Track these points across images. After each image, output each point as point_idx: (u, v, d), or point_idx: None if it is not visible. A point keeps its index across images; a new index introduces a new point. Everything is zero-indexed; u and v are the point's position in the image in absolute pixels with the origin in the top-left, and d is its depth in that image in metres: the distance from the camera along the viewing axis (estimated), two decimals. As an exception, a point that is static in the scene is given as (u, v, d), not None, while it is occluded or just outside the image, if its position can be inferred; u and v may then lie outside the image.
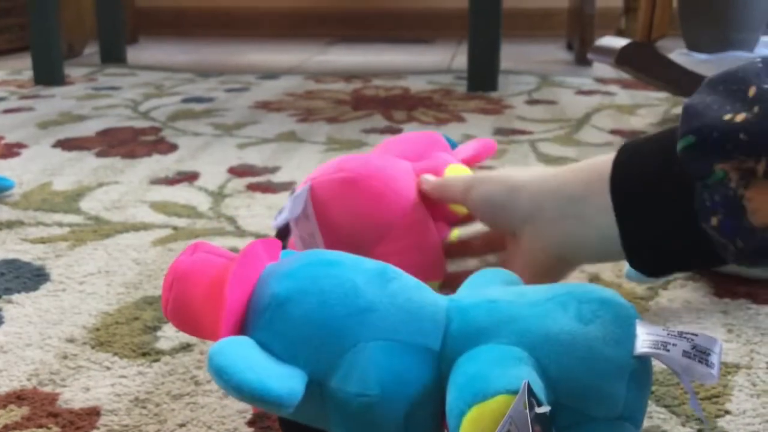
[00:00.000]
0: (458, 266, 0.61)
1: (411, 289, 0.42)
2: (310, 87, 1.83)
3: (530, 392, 0.34)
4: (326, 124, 1.41)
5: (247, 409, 0.52)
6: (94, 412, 0.52)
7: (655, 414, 0.52)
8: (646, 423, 0.50)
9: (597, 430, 0.38)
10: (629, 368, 0.38)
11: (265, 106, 1.59)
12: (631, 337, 0.39)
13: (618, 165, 0.48)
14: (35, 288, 0.72)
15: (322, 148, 1.23)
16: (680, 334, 0.38)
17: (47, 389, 0.55)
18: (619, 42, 1.38)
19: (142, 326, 0.64)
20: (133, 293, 0.70)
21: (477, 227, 0.61)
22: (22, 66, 2.07)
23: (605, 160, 0.49)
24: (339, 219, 0.58)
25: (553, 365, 0.38)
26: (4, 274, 0.74)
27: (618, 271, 0.74)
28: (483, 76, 1.72)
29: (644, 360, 0.39)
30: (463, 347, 0.39)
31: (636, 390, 0.38)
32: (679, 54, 1.60)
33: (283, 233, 0.62)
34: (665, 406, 0.53)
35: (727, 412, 0.52)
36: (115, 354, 0.60)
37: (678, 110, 1.53)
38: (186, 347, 0.61)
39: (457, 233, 0.62)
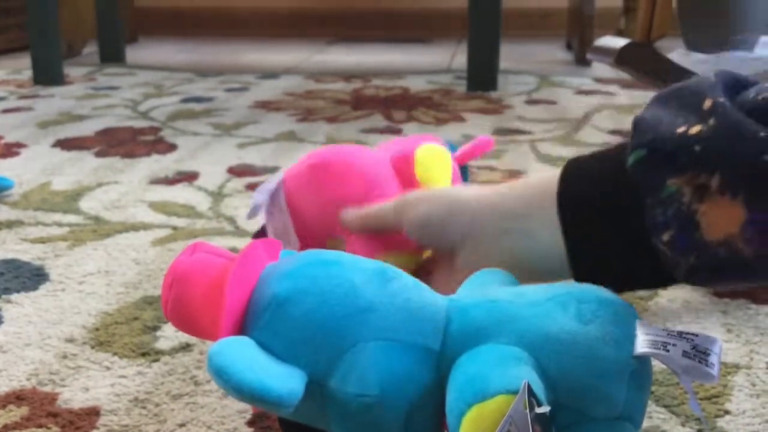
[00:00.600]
0: None
1: (410, 288, 0.42)
2: (310, 87, 1.83)
3: (530, 392, 0.34)
4: (326, 124, 1.41)
5: (247, 409, 0.52)
6: (93, 412, 0.52)
7: (654, 414, 0.52)
8: (646, 423, 0.50)
9: (597, 430, 0.38)
10: (629, 368, 0.38)
11: (265, 105, 1.59)
12: (631, 337, 0.39)
13: (565, 180, 0.47)
14: (35, 288, 0.72)
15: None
16: (680, 334, 0.38)
17: (47, 389, 0.55)
18: (618, 42, 1.38)
19: (141, 326, 0.64)
20: (133, 293, 0.70)
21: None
22: (22, 66, 2.07)
23: (550, 176, 0.48)
24: (310, 207, 0.58)
25: (552, 365, 0.38)
26: (3, 274, 0.74)
27: (617, 271, 0.74)
28: (482, 76, 1.72)
29: (644, 360, 0.39)
30: (462, 347, 0.39)
31: (636, 390, 0.38)
32: (678, 54, 1.60)
33: (261, 234, 0.62)
34: (665, 406, 0.53)
35: (727, 412, 0.52)
36: (115, 354, 0.60)
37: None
38: (186, 347, 0.61)
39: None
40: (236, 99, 1.66)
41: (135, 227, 0.87)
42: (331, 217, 0.57)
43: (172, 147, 1.23)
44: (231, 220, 0.90)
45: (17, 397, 0.54)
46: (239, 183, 1.04)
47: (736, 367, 0.58)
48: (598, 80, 1.84)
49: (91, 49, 2.33)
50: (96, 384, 0.56)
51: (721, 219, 0.39)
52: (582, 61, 2.06)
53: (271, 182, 0.60)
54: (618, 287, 0.44)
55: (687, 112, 0.41)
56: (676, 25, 2.35)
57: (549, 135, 1.31)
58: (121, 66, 2.13)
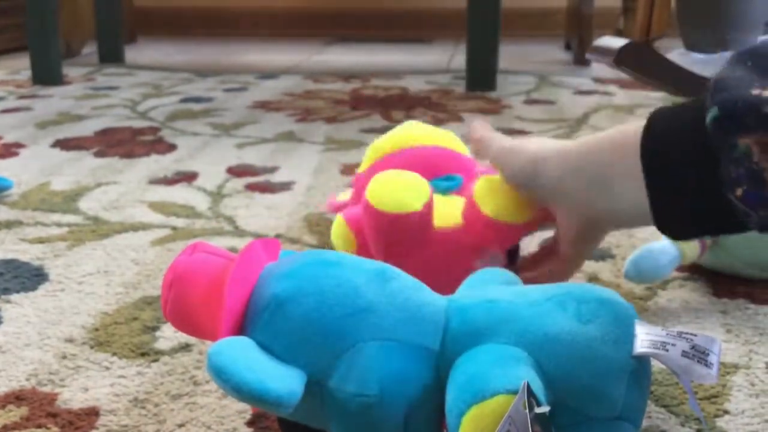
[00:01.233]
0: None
1: (410, 289, 0.42)
2: (309, 87, 1.83)
3: (529, 392, 0.34)
4: (325, 124, 1.41)
5: (246, 409, 0.52)
6: (93, 413, 0.52)
7: (654, 414, 0.52)
8: (645, 423, 0.50)
9: (596, 429, 0.38)
10: (628, 368, 0.38)
11: (264, 105, 1.59)
12: (631, 337, 0.39)
13: (649, 130, 0.48)
14: (34, 288, 0.71)
15: (320, 148, 1.23)
16: (679, 334, 0.38)
17: (46, 389, 0.55)
18: (617, 42, 1.38)
19: (141, 326, 0.64)
20: (132, 293, 0.70)
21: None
22: (21, 66, 2.07)
23: (633, 128, 0.49)
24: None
25: (552, 365, 0.38)
26: (2, 274, 0.74)
27: (617, 271, 0.74)
28: (481, 76, 1.72)
29: (643, 360, 0.39)
30: (462, 347, 0.39)
31: (635, 390, 0.38)
32: (677, 54, 1.61)
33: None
34: (664, 406, 0.53)
35: (726, 412, 0.52)
36: (114, 354, 0.60)
37: (676, 110, 1.53)
38: (185, 347, 0.61)
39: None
40: (235, 99, 1.66)
41: (134, 227, 0.87)
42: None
43: (171, 147, 1.23)
44: (230, 220, 0.90)
45: (17, 398, 0.54)
46: (238, 183, 1.04)
47: (735, 367, 0.58)
48: (597, 80, 1.84)
49: (90, 49, 2.33)
50: (95, 384, 0.56)
51: None
52: (581, 61, 2.06)
53: None
54: (696, 233, 0.48)
55: (761, 73, 0.42)
56: (674, 25, 2.35)
57: (548, 135, 1.31)
58: (120, 66, 2.13)
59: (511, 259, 0.63)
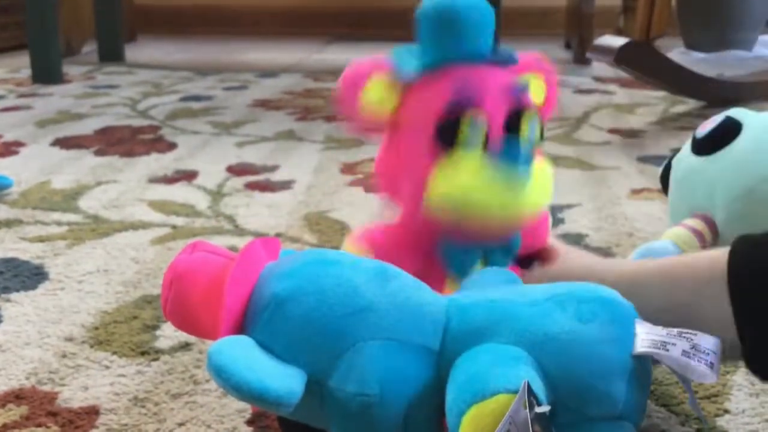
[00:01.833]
0: None
1: (410, 288, 0.42)
2: (309, 85, 1.82)
3: (530, 392, 0.34)
4: (325, 123, 1.41)
5: (246, 408, 0.52)
6: (93, 411, 0.52)
7: (654, 413, 0.52)
8: (645, 422, 0.50)
9: (596, 429, 0.38)
10: (629, 368, 0.38)
11: (264, 104, 1.59)
12: (631, 336, 0.39)
13: (736, 265, 0.42)
14: (34, 287, 0.71)
15: (320, 147, 1.23)
16: (679, 334, 0.38)
17: (46, 388, 0.55)
18: (617, 41, 1.38)
19: (141, 325, 0.64)
20: (132, 292, 0.70)
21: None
22: (21, 64, 2.07)
23: (713, 257, 0.44)
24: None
25: (552, 365, 0.38)
26: (2, 273, 0.74)
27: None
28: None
29: (643, 359, 0.39)
30: (462, 346, 0.39)
31: (635, 390, 0.38)
32: (677, 53, 1.60)
33: None
34: (664, 406, 0.53)
35: (726, 411, 0.52)
36: (114, 353, 0.60)
37: (677, 109, 1.54)
38: (185, 346, 0.61)
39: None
40: (235, 98, 1.66)
41: (134, 226, 0.87)
42: None
43: (171, 146, 1.23)
44: (230, 218, 0.90)
45: (17, 397, 0.54)
46: (238, 182, 1.04)
47: (736, 366, 0.58)
48: (598, 79, 1.84)
49: (90, 48, 2.32)
50: (95, 383, 0.56)
51: None
52: (581, 60, 2.06)
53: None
54: None
55: None
56: (675, 24, 2.35)
57: (549, 134, 1.31)
58: (120, 64, 2.13)
59: (525, 264, 0.62)
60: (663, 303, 0.45)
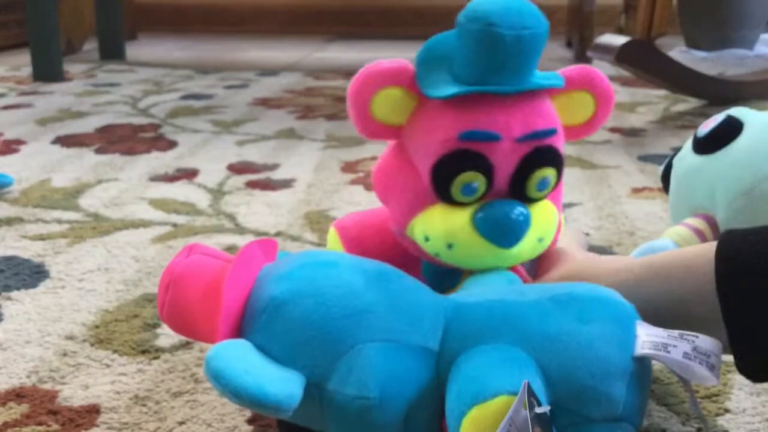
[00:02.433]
0: None
1: (409, 289, 0.42)
2: (310, 84, 1.82)
3: (530, 392, 0.34)
4: (325, 121, 1.41)
5: (247, 408, 0.52)
6: (93, 410, 0.52)
7: (655, 413, 0.52)
8: (646, 422, 0.50)
9: (596, 431, 0.38)
10: (629, 370, 0.38)
11: (265, 103, 1.59)
12: (632, 338, 0.39)
13: (723, 262, 0.42)
14: (34, 285, 0.71)
15: (321, 145, 1.23)
16: (681, 336, 0.38)
17: (47, 387, 0.55)
18: (619, 40, 1.38)
19: (141, 323, 0.64)
20: (133, 290, 0.70)
21: None
22: (21, 62, 2.06)
23: (697, 253, 0.43)
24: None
25: (553, 366, 0.38)
26: (3, 271, 0.74)
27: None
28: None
29: (644, 361, 0.39)
30: (462, 347, 0.39)
31: (635, 391, 0.38)
32: (678, 52, 1.60)
33: None
34: (665, 405, 0.53)
35: (727, 411, 0.52)
36: (115, 351, 0.60)
37: (678, 108, 1.53)
38: (186, 345, 0.61)
39: None
40: (236, 96, 1.66)
41: (135, 224, 0.87)
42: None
43: (171, 144, 1.23)
44: (231, 217, 0.90)
45: (17, 395, 0.54)
46: (239, 180, 1.04)
47: (736, 366, 0.58)
48: (598, 78, 1.83)
49: (90, 46, 2.32)
50: (96, 381, 0.56)
51: None
52: (582, 59, 2.06)
53: None
54: None
55: None
56: (676, 23, 2.35)
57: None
58: (120, 63, 2.13)
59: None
60: (655, 297, 0.44)
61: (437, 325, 0.40)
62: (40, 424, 0.50)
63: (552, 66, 2.24)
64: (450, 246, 0.47)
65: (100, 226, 0.86)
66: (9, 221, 0.88)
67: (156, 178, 1.05)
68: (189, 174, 1.07)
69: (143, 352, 0.60)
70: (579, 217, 0.89)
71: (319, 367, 0.38)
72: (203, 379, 0.56)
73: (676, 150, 0.78)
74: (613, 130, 1.34)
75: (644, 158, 1.15)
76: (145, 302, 0.68)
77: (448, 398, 0.37)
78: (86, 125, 1.37)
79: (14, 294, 0.70)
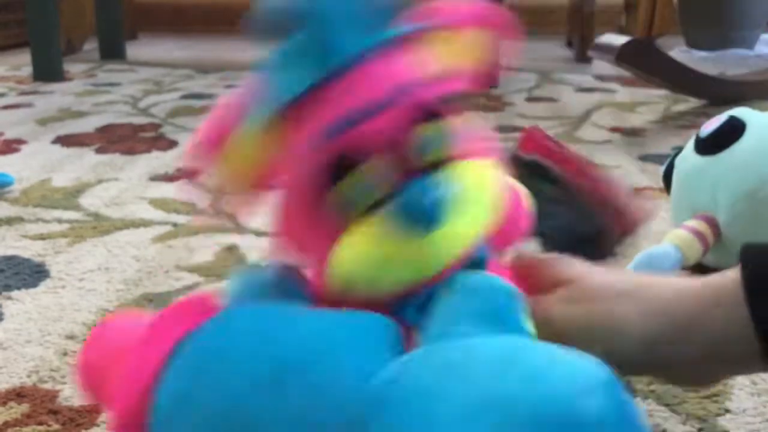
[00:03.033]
0: None
1: (314, 389, 0.32)
2: (310, 84, 1.82)
3: None
4: (326, 121, 1.41)
5: (248, 407, 0.52)
6: (94, 410, 0.52)
7: (655, 413, 0.52)
8: (646, 422, 0.50)
9: None
10: None
11: (265, 102, 1.59)
12: None
13: (752, 278, 0.40)
14: (35, 284, 0.71)
15: (321, 145, 1.23)
16: None
17: (47, 386, 0.55)
18: (619, 39, 1.38)
19: (142, 323, 0.64)
20: (133, 290, 0.70)
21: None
22: (21, 62, 2.06)
23: (723, 278, 0.41)
24: None
25: None
26: (3, 271, 0.74)
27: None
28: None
29: None
30: None
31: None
32: (679, 51, 1.60)
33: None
34: (665, 405, 0.53)
35: (728, 411, 0.52)
36: (115, 351, 0.60)
37: (678, 108, 1.53)
38: (186, 344, 0.61)
39: None
40: (236, 96, 1.66)
41: (135, 224, 0.87)
42: None
43: (172, 143, 1.23)
44: (231, 217, 0.89)
45: (18, 394, 0.54)
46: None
47: (737, 365, 0.58)
48: (599, 77, 1.84)
49: (90, 46, 2.32)
50: (96, 381, 0.56)
51: None
52: (582, 59, 2.06)
53: None
54: None
55: None
56: (676, 23, 2.35)
57: (550, 132, 1.31)
58: (121, 62, 2.13)
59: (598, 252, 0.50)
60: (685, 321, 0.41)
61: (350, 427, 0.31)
62: (40, 423, 0.50)
63: (553, 65, 2.22)
64: (354, 271, 0.38)
65: (100, 225, 0.86)
66: (9, 221, 0.88)
67: (156, 178, 1.05)
68: (189, 174, 1.06)
69: (144, 351, 0.60)
70: (580, 217, 0.89)
71: None
72: (204, 379, 0.56)
73: (678, 150, 0.78)
74: (614, 129, 1.34)
75: (644, 158, 1.15)
76: (145, 302, 0.68)
77: None
78: (86, 125, 1.37)
79: (15, 293, 0.70)
